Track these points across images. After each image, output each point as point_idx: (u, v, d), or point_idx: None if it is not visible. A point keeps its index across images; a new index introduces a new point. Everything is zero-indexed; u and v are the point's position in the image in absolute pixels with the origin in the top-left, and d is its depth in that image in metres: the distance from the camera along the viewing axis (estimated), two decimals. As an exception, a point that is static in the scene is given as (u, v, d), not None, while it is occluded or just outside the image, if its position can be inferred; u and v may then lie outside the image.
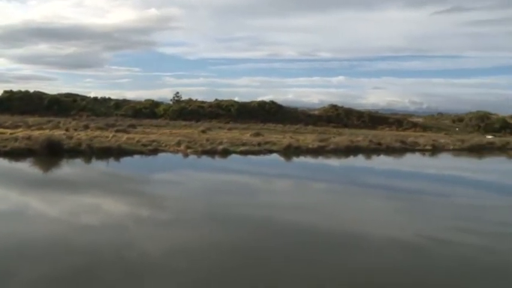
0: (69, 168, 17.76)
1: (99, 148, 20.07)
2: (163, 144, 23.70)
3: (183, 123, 43.94)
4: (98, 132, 27.92)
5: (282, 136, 32.53)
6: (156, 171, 18.13)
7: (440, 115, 59.70)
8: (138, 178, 16.46)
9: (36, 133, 24.21)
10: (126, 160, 19.64)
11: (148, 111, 52.50)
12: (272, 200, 13.56)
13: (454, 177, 20.47)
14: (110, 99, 57.79)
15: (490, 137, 42.52)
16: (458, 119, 53.39)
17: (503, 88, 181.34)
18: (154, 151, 21.96)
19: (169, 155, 21.88)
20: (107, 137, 25.03)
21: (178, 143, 23.61)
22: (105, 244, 8.58)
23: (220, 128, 40.57)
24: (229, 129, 38.93)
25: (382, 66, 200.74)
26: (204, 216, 11.16)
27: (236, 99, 56.85)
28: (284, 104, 57.67)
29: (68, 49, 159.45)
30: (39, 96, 50.39)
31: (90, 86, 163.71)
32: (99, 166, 18.17)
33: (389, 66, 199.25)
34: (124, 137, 25.38)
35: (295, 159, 23.52)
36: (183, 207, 12.04)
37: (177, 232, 9.72)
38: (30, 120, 35.33)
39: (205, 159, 21.38)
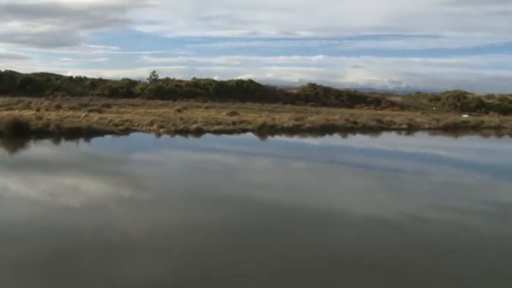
0: (36, 150, 17.34)
1: (68, 128, 19.57)
2: (136, 124, 23.31)
3: (160, 102, 43.32)
4: (70, 112, 27.27)
5: (258, 115, 32.33)
6: (126, 152, 17.80)
7: (418, 94, 60.04)
8: (107, 158, 16.13)
9: (4, 113, 23.53)
10: (96, 140, 19.22)
11: (125, 90, 51.54)
12: (249, 180, 13.53)
13: (431, 156, 20.62)
14: (85, 78, 56.61)
15: (465, 115, 42.96)
16: (436, 98, 53.77)
17: (482, 68, 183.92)
18: (126, 131, 21.57)
19: (141, 134, 21.52)
20: (79, 117, 24.49)
21: (151, 123, 23.22)
22: (83, 225, 8.41)
23: (197, 107, 40.11)
24: (206, 108, 38.54)
25: (362, 45, 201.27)
26: (177, 196, 11.03)
27: (215, 78, 56.27)
28: (264, 83, 57.37)
29: (42, 27, 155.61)
30: (10, 75, 48.97)
31: (67, 65, 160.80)
32: (67, 147, 17.75)
33: (369, 45, 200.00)
34: (96, 116, 24.88)
35: (269, 138, 23.41)
36: (153, 187, 11.82)
37: (151, 212, 9.56)
38: (0, 100, 34.35)
39: (177, 138, 21.11)
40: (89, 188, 11.48)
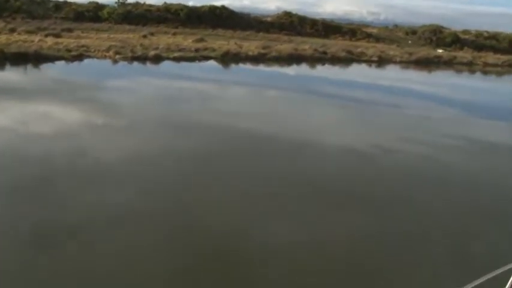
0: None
1: (14, 54, 18.27)
2: (92, 50, 22.09)
3: (128, 27, 41.41)
4: (24, 36, 25.72)
5: (226, 42, 31.18)
6: (73, 78, 16.81)
7: (396, 27, 58.64)
8: (45, 86, 15.26)
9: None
10: (44, 67, 18.13)
11: (91, 14, 48.83)
12: (202, 107, 13.17)
13: (402, 89, 20.49)
14: (49, 0, 53.37)
15: (440, 51, 42.33)
16: (412, 32, 52.56)
17: (461, 3, 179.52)
18: (79, 57, 20.43)
19: (95, 61, 20.43)
20: (32, 41, 23.07)
21: (108, 49, 22.05)
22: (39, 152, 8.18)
23: (165, 33, 38.55)
24: (174, 34, 37.07)
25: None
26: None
27: (190, 3, 53.70)
28: (240, 10, 55.13)
29: None
30: (-35, -6, 45.78)
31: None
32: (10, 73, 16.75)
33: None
34: (51, 41, 23.49)
35: (231, 66, 22.66)
36: (99, 112, 11.24)
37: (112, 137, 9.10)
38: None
39: (133, 65, 20.17)
40: (33, 113, 10.87)
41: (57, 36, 27.51)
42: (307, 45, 32.07)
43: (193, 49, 24.85)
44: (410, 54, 34.88)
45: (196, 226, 5.93)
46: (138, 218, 5.95)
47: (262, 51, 26.28)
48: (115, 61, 20.56)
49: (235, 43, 30.67)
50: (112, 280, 4.78)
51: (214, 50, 25.41)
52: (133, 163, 7.97)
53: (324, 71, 25.39)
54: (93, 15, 48.36)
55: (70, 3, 53.29)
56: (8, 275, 4.70)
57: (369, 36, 49.71)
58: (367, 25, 62.79)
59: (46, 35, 26.87)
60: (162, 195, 6.69)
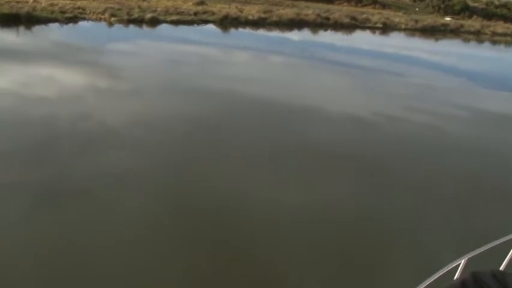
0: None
1: (5, 14, 17.62)
2: (87, 12, 21.46)
3: (127, -10, 40.32)
4: (19, -4, 24.98)
5: (227, 6, 30.36)
6: (66, 41, 16.29)
7: (403, -8, 56.95)
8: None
9: None
10: (37, 29, 17.57)
11: (91, -25, 47.57)
12: (191, 72, 12.74)
13: (405, 57, 20.10)
14: (48, -41, 51.91)
15: (448, 19, 41.21)
16: (420, -2, 51.19)
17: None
18: (73, 19, 19.81)
19: (89, 24, 19.82)
20: (26, 2, 22.40)
21: (104, 11, 21.40)
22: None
23: (166, -4, 37.50)
24: (175, -3, 36.04)
25: None
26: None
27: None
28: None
29: None
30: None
31: None
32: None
33: None
34: (45, 2, 22.80)
35: (231, 30, 22.02)
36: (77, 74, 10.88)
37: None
38: None
39: (129, 28, 19.56)
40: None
41: (52, -3, 26.75)
42: (310, 10, 31.21)
43: (192, 12, 24.15)
44: (416, 21, 33.94)
45: (197, 190, 5.82)
46: (138, 180, 5.90)
47: (263, 15, 25.55)
48: (110, 24, 19.95)
49: (236, 7, 29.85)
50: (111, 239, 4.72)
51: (213, 13, 24.70)
52: (136, 126, 7.85)
53: (326, 36, 24.73)
54: (93, -24, 47.11)
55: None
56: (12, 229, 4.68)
57: (375, 2, 48.38)
58: (374, -9, 61.05)
59: (41, -4, 26.14)
60: (168, 161, 6.62)
